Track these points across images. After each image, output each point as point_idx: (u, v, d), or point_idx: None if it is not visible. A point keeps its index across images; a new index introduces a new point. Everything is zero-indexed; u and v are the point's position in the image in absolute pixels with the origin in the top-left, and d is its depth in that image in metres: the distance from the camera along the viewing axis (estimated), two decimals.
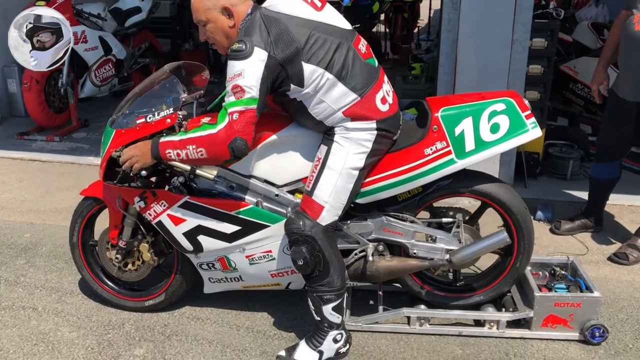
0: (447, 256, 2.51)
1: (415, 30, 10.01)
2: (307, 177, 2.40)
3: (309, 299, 2.42)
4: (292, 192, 2.51)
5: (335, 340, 2.43)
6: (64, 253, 3.34)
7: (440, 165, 2.37)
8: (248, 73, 2.13)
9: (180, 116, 2.42)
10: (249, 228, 2.48)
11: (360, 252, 2.54)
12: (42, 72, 5.32)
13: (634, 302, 2.87)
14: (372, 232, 2.53)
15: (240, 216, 2.46)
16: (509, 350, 2.54)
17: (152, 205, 2.50)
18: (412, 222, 2.54)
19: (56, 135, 5.42)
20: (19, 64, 5.84)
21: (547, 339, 2.58)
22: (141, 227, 2.68)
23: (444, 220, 2.59)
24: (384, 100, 2.35)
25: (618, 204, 3.87)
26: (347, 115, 2.29)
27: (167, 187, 2.56)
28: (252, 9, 2.28)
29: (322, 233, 2.32)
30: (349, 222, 2.52)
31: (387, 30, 9.32)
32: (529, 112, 2.38)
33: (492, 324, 2.61)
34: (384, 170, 2.41)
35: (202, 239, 2.51)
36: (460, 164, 2.37)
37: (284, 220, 2.40)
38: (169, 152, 2.27)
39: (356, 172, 2.33)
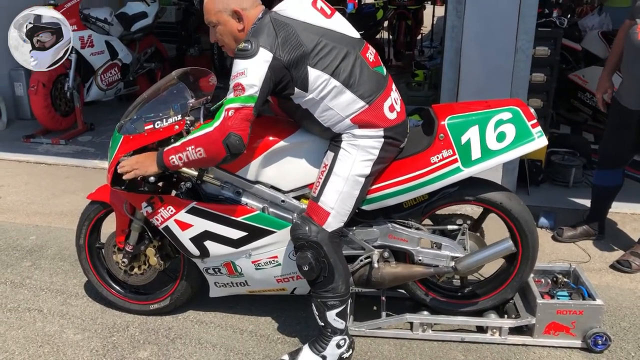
0: (452, 263, 2.53)
1: (419, 37, 10.06)
2: (313, 183, 2.42)
3: (313, 304, 2.44)
4: (298, 198, 2.52)
5: (338, 346, 2.45)
6: (70, 255, 3.37)
7: (446, 174, 2.38)
8: (251, 72, 2.15)
9: (188, 122, 2.44)
10: (255, 234, 2.50)
11: (365, 258, 2.56)
12: (48, 75, 5.38)
13: (637, 310, 2.89)
14: (377, 238, 2.55)
15: (247, 222, 2.48)
16: (511, 356, 2.55)
17: (159, 211, 2.53)
18: (417, 229, 2.55)
19: (62, 139, 5.46)
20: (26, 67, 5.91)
21: (549, 346, 2.59)
22: (148, 231, 2.70)
23: (449, 227, 2.61)
24: (391, 108, 2.37)
25: (620, 212, 3.88)
26: (354, 122, 2.31)
27: (174, 193, 2.58)
28: (262, 13, 2.31)
29: (328, 239, 2.34)
30: (354, 228, 2.53)
31: (391, 36, 9.37)
32: (535, 121, 2.40)
33: (495, 330, 2.63)
34: (390, 177, 2.42)
35: (209, 244, 2.53)
36: (467, 172, 2.38)
37: (290, 226, 2.43)
38: (172, 158, 2.29)
39: (362, 179, 2.35)
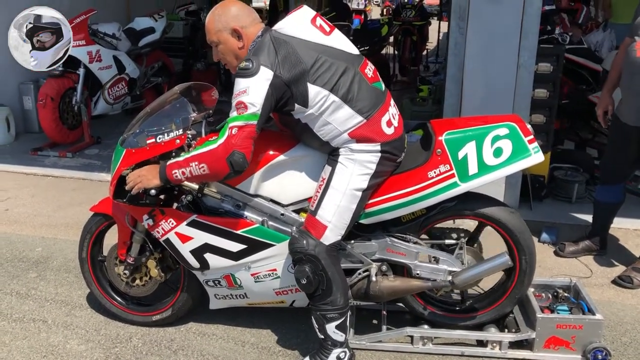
0: (450, 277, 2.54)
1: (424, 52, 10.14)
2: (312, 197, 2.45)
3: (312, 317, 2.46)
4: (297, 212, 2.56)
5: (338, 358, 2.46)
6: (75, 267, 3.40)
7: (443, 189, 2.41)
8: (252, 90, 2.20)
9: (190, 136, 2.49)
10: (254, 247, 2.53)
11: (364, 271, 2.58)
12: (57, 89, 5.46)
13: (638, 325, 2.89)
14: (375, 252, 2.57)
15: (246, 235, 2.51)
16: None
17: (160, 223, 2.56)
18: (415, 243, 2.58)
19: (69, 152, 5.52)
20: (35, 81, 6.01)
21: None
22: (149, 243, 2.74)
23: (447, 241, 2.63)
24: (389, 124, 2.41)
25: (623, 227, 3.89)
26: (352, 136, 2.34)
27: (175, 205, 2.62)
28: (262, 32, 2.36)
29: (326, 252, 2.37)
30: (353, 242, 2.56)
31: (396, 52, 9.45)
32: (532, 137, 2.43)
33: (495, 344, 2.64)
34: (388, 192, 2.45)
35: (209, 256, 2.56)
36: (464, 187, 2.41)
37: (289, 240, 2.46)
38: (175, 173, 2.33)
39: (359, 193, 2.38)
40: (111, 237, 2.88)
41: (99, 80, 5.68)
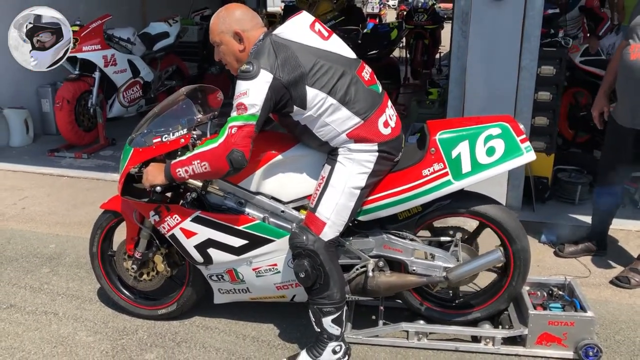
0: (444, 273, 2.61)
1: (437, 56, 10.18)
2: (311, 195, 2.54)
3: (310, 311, 2.55)
4: (297, 209, 2.64)
5: (334, 352, 2.55)
6: (86, 263, 3.53)
7: (437, 186, 2.48)
8: (252, 92, 2.30)
9: (195, 136, 2.59)
10: (255, 242, 2.62)
11: (361, 267, 2.66)
12: (73, 92, 5.62)
13: (632, 324, 2.92)
14: (373, 248, 2.65)
15: (248, 231, 2.61)
16: None
17: (166, 219, 2.67)
18: (411, 240, 2.65)
19: (84, 153, 5.69)
20: (52, 85, 6.19)
21: (541, 357, 2.65)
22: (156, 239, 2.85)
23: (443, 239, 2.71)
24: (386, 124, 2.49)
25: (625, 229, 3.92)
26: (350, 137, 2.43)
27: (180, 202, 2.72)
28: (263, 35, 2.45)
29: (324, 248, 2.45)
30: (351, 238, 2.64)
31: (408, 55, 9.51)
32: (524, 136, 2.49)
33: (488, 340, 2.69)
34: (384, 189, 2.53)
35: (212, 251, 2.67)
36: (457, 185, 2.48)
37: (289, 235, 2.55)
38: (179, 171, 2.44)
39: (357, 191, 2.46)
40: (121, 234, 3.00)
41: (114, 83, 5.84)
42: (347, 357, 2.59)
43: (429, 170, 2.48)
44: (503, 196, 4.04)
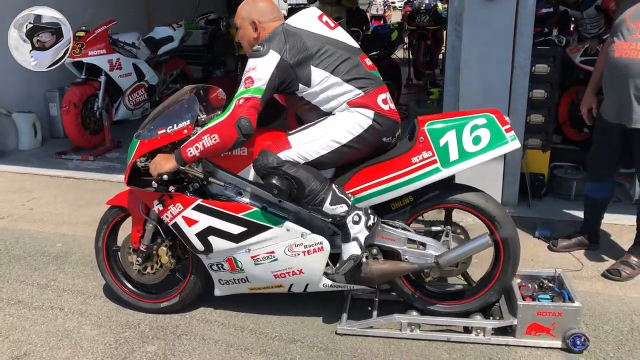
0: (435, 259, 2.70)
1: (440, 56, 10.24)
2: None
3: (313, 213, 2.64)
4: None
5: (355, 222, 2.62)
6: (91, 261, 3.63)
7: (426, 173, 2.59)
8: (260, 68, 2.50)
9: (199, 124, 2.73)
10: (253, 229, 2.72)
11: None
12: (79, 96, 5.75)
13: (621, 315, 2.99)
14: None
15: (247, 218, 2.71)
16: (493, 355, 2.69)
17: (169, 208, 2.77)
18: (404, 229, 2.75)
19: (91, 155, 5.81)
20: (60, 89, 6.32)
21: (531, 346, 2.72)
22: (161, 231, 2.97)
23: (434, 228, 2.81)
24: (385, 102, 2.66)
25: (619, 223, 3.97)
26: (350, 105, 2.61)
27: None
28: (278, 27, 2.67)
29: (283, 160, 2.55)
30: None
31: (410, 56, 9.58)
32: (509, 126, 2.59)
33: (479, 331, 2.77)
34: (375, 177, 2.65)
35: (212, 239, 2.77)
36: (445, 172, 2.59)
37: (286, 223, 2.67)
38: (190, 150, 2.58)
39: (335, 145, 2.59)
40: (125, 230, 3.11)
41: (119, 87, 5.96)
42: (371, 217, 2.65)
43: (417, 158, 2.59)
44: (498, 192, 4.12)
